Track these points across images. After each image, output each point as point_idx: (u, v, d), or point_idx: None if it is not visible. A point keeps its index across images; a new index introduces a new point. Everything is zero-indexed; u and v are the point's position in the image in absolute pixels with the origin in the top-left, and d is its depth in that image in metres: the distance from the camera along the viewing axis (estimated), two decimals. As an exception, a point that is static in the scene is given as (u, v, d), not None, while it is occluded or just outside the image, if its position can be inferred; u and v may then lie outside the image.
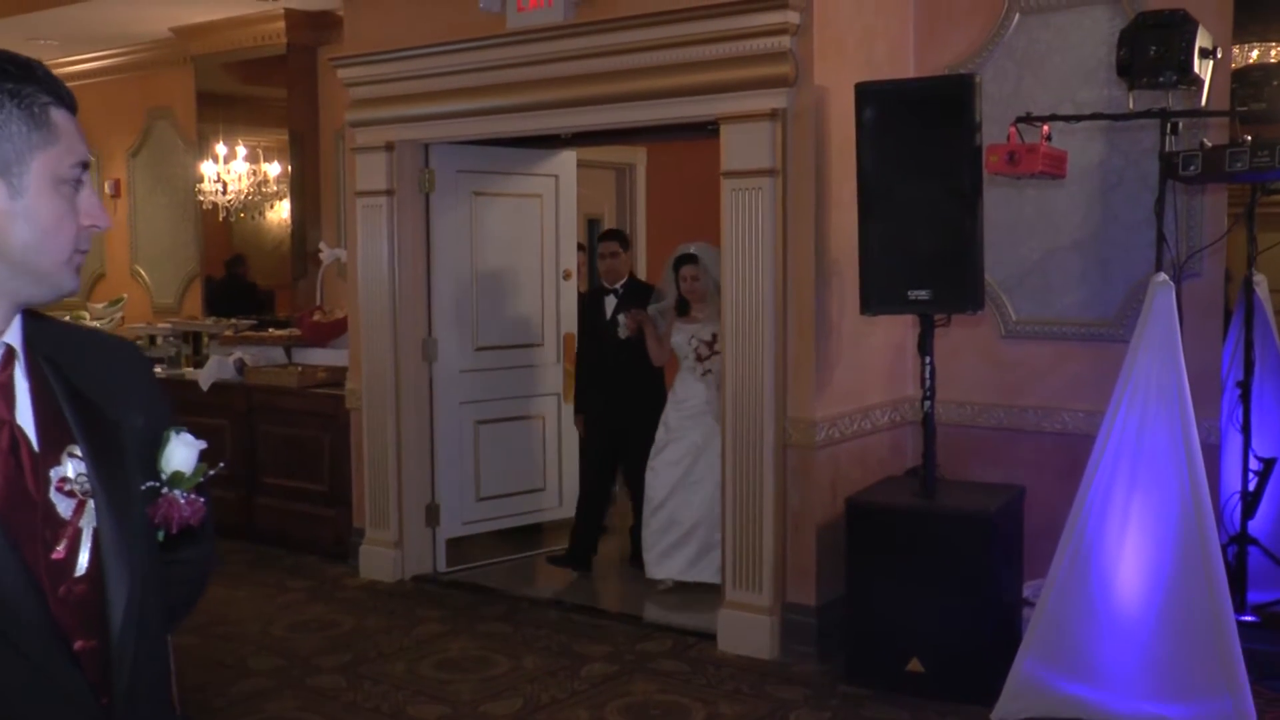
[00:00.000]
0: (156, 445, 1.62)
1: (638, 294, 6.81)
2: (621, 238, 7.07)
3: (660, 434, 6.49)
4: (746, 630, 5.38)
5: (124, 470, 1.57)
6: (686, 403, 6.39)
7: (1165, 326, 4.28)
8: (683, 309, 6.50)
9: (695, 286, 6.40)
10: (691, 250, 6.46)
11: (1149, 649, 4.30)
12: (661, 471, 6.42)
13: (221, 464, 1.76)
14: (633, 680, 5.14)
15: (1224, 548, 4.63)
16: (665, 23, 5.38)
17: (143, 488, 1.59)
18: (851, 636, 5.07)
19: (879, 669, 4.98)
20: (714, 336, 6.17)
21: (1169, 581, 4.26)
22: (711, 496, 6.13)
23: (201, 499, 1.62)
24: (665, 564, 6.39)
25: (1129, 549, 4.36)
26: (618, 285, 6.87)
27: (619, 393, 6.76)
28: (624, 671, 5.24)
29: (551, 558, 6.90)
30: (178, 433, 1.63)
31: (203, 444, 1.64)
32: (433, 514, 6.77)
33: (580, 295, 7.17)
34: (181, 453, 1.61)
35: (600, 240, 6.94)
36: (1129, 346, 4.43)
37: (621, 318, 6.61)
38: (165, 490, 1.59)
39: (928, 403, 5.06)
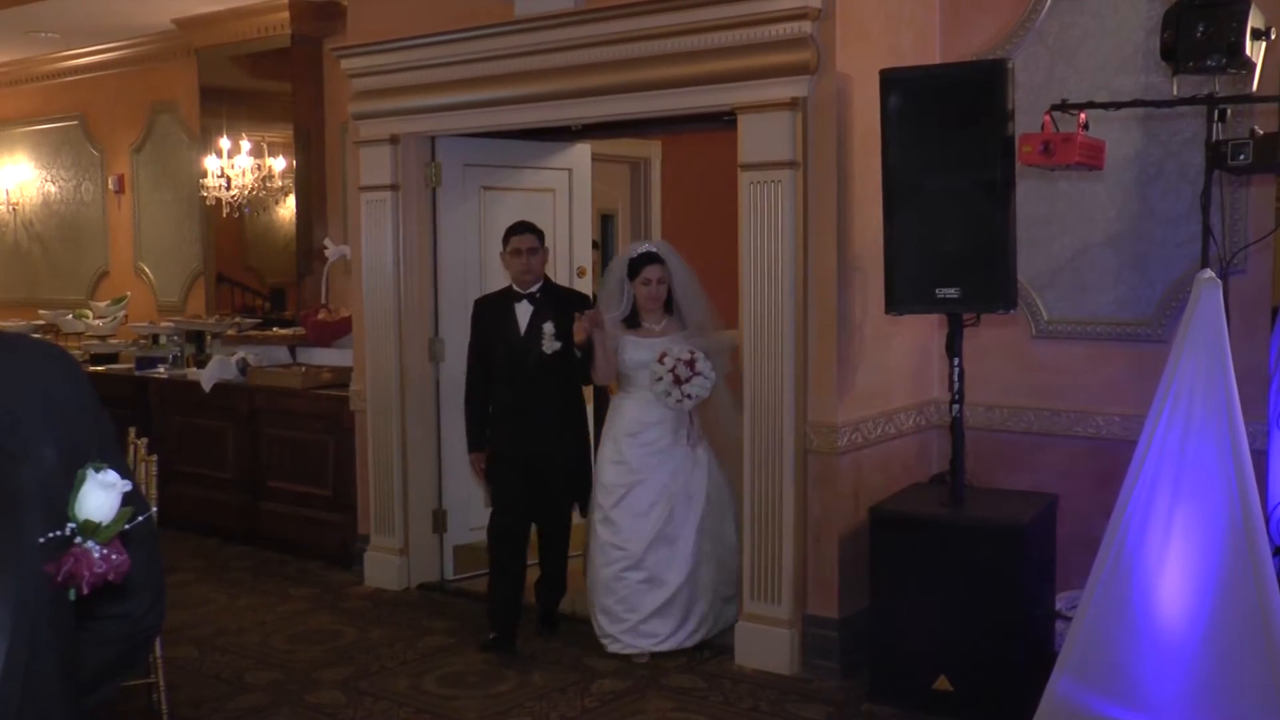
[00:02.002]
0: (72, 484, 1.33)
1: (559, 301, 5.58)
2: (539, 231, 5.69)
3: (613, 475, 5.37)
4: (765, 644, 5.14)
5: (10, 516, 1.29)
6: (646, 433, 5.34)
7: (1212, 327, 4.02)
8: (631, 321, 5.48)
9: (658, 292, 5.37)
10: (653, 249, 5.49)
11: (1194, 669, 4.05)
12: (627, 524, 5.29)
13: (154, 509, 1.48)
14: (645, 697, 4.91)
15: (1270, 560, 4.38)
16: (679, 8, 5.15)
17: (42, 539, 1.31)
18: (875, 652, 4.84)
19: (904, 687, 4.74)
20: (692, 355, 5.22)
21: (1216, 596, 4.01)
22: (693, 550, 5.30)
23: (122, 556, 1.32)
24: (646, 635, 5.28)
25: (1172, 562, 4.11)
26: (534, 289, 5.60)
27: (542, 423, 5.51)
28: (637, 687, 5.01)
29: (484, 645, 5.49)
30: (96, 471, 1.34)
31: (126, 485, 1.33)
32: (439, 520, 6.55)
33: (478, 301, 5.80)
34: (96, 497, 1.32)
35: (512, 233, 5.59)
36: (1171, 348, 4.17)
37: (548, 326, 5.42)
38: (77, 541, 1.33)
39: (956, 406, 4.82)
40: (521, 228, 5.60)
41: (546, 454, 5.50)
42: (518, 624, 5.52)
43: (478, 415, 5.66)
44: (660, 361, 5.22)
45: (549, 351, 5.45)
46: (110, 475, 1.34)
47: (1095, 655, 4.20)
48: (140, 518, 1.40)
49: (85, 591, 1.30)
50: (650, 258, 5.39)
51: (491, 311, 5.64)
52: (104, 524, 1.33)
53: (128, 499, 1.36)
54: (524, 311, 5.55)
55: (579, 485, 5.65)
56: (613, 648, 5.32)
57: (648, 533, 5.26)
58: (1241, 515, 3.95)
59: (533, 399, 5.51)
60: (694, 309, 5.44)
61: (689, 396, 5.20)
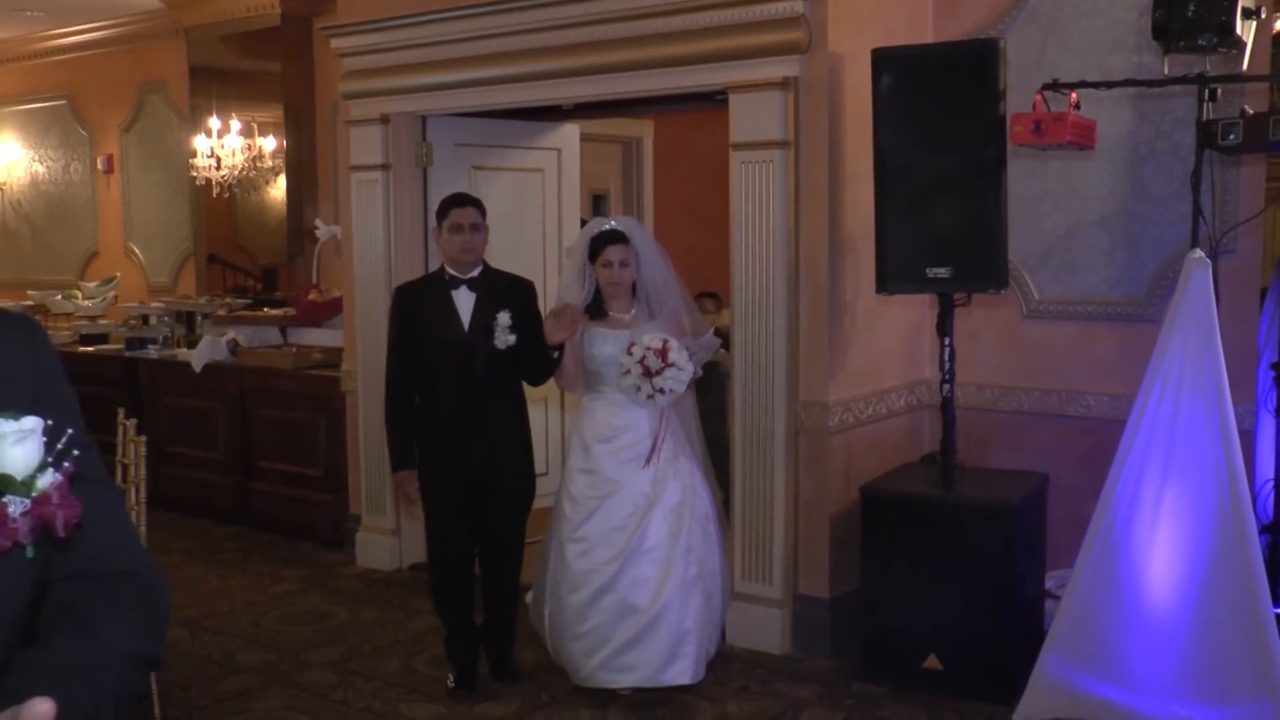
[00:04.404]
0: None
1: (504, 288, 4.77)
2: (480, 204, 4.80)
3: (584, 487, 4.66)
4: (756, 624, 5.15)
5: None
6: (621, 438, 4.66)
7: (1201, 306, 4.03)
8: (595, 310, 4.83)
9: (622, 275, 4.69)
10: (615, 226, 4.81)
11: (1182, 648, 4.07)
12: (599, 543, 4.58)
13: (76, 452, 1.36)
14: (637, 676, 4.92)
15: (1258, 538, 4.39)
16: (671, -13, 5.13)
17: None
18: (866, 631, 4.85)
19: (895, 666, 4.75)
20: (664, 344, 4.61)
21: (1204, 576, 4.03)
22: (679, 571, 4.55)
23: (49, 506, 1.24)
24: (625, 669, 4.55)
25: (1161, 541, 4.13)
26: (474, 273, 4.75)
27: (492, 435, 4.70)
28: (628, 667, 5.01)
29: (451, 689, 4.82)
30: (8, 419, 1.26)
31: (35, 423, 1.25)
32: (431, 500, 6.54)
33: (401, 289, 4.97)
34: (10, 450, 1.24)
35: (451, 206, 4.75)
36: (1161, 327, 4.18)
37: (504, 316, 4.62)
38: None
39: (947, 386, 4.82)
40: (462, 200, 4.81)
41: (495, 472, 4.71)
42: (478, 659, 4.90)
43: (406, 427, 4.78)
44: (628, 352, 4.57)
45: (502, 347, 4.63)
46: (28, 421, 1.26)
47: (1084, 634, 4.22)
48: (66, 464, 1.29)
49: (8, 547, 1.24)
50: (612, 236, 4.71)
51: (422, 301, 4.77)
52: (22, 478, 1.25)
53: (66, 448, 1.28)
54: (465, 300, 4.71)
55: (525, 502, 4.87)
56: (589, 684, 4.64)
57: (622, 549, 4.57)
58: (1230, 494, 3.97)
59: (481, 405, 4.68)
60: (665, 295, 4.79)
61: (661, 391, 4.54)
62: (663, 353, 4.54)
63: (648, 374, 4.54)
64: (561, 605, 4.66)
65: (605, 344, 4.67)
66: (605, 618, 4.56)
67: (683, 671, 4.55)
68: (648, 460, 4.63)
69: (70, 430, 1.29)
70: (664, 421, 4.68)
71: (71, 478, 1.28)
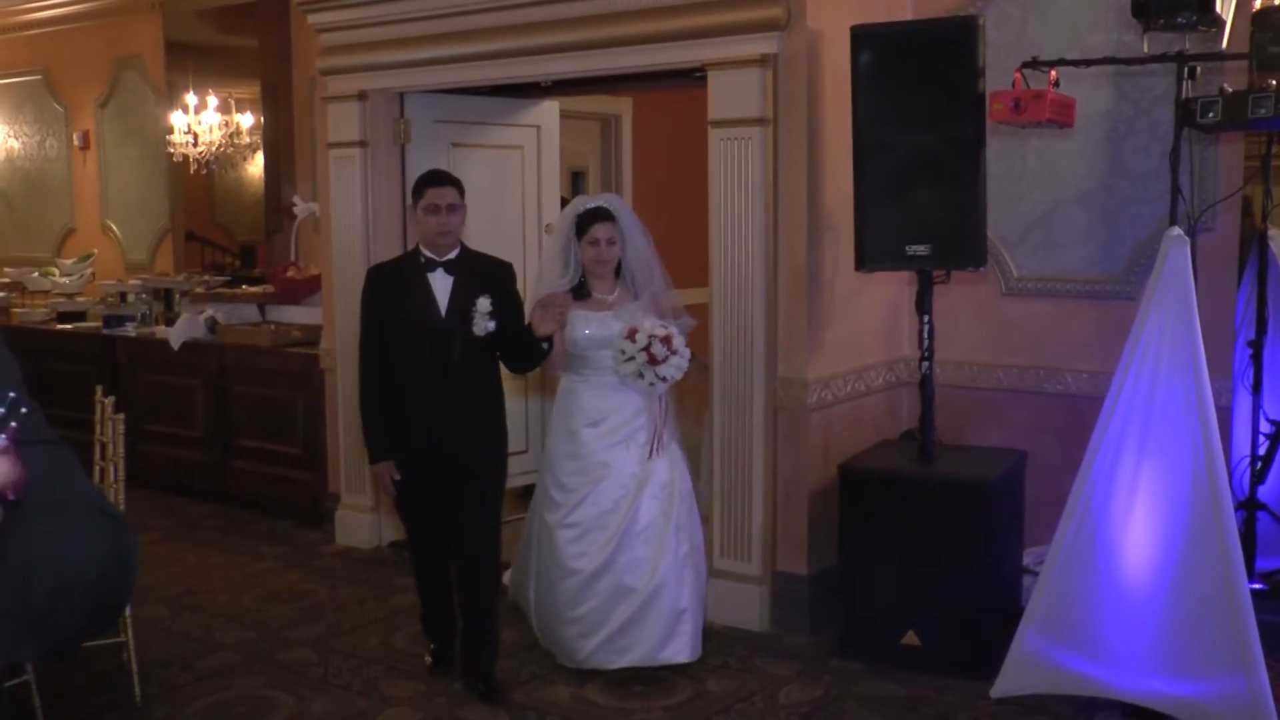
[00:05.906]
0: None
1: (482, 271, 4.55)
2: (459, 183, 4.56)
3: (570, 473, 4.61)
4: (735, 601, 5.17)
5: None
6: (608, 420, 4.61)
7: (1179, 284, 4.04)
8: (578, 291, 4.72)
9: (609, 254, 4.63)
10: (603, 204, 4.72)
11: (1159, 623, 4.09)
12: (592, 527, 4.55)
13: (25, 410, 1.24)
14: (617, 653, 4.92)
15: (1233, 514, 4.42)
16: (650, -38, 5.10)
17: None
18: (845, 608, 4.87)
19: (873, 642, 4.78)
20: (669, 332, 4.52)
21: (1180, 552, 4.05)
22: (671, 549, 4.55)
23: None
24: (622, 649, 4.54)
25: (1138, 517, 4.15)
26: (451, 255, 4.53)
27: (471, 427, 4.51)
28: (608, 644, 5.02)
29: (430, 665, 4.79)
30: None
31: None
32: (411, 478, 6.52)
33: (374, 271, 4.74)
34: None
35: (426, 185, 4.50)
36: (1139, 305, 4.20)
37: (483, 302, 4.39)
38: None
39: (926, 363, 4.83)
40: (439, 178, 4.54)
41: (472, 458, 4.52)
42: (456, 632, 4.76)
43: (383, 418, 4.54)
44: (631, 339, 4.48)
45: (480, 334, 4.42)
46: None
47: (1061, 610, 4.24)
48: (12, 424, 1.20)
49: None
50: (600, 214, 4.63)
51: (397, 284, 4.53)
52: None
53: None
54: (442, 284, 4.47)
55: (501, 487, 4.71)
56: (586, 666, 4.61)
57: (615, 532, 4.54)
58: (1206, 471, 3.98)
59: (458, 392, 4.47)
60: (649, 275, 4.74)
61: (663, 379, 4.49)
62: (667, 340, 4.48)
63: (653, 362, 4.48)
64: (553, 591, 4.63)
65: (587, 326, 4.60)
66: (601, 600, 4.55)
67: (680, 649, 4.59)
68: (651, 452, 4.62)
69: (12, 394, 1.24)
70: (664, 409, 4.67)
71: (16, 440, 1.23)
